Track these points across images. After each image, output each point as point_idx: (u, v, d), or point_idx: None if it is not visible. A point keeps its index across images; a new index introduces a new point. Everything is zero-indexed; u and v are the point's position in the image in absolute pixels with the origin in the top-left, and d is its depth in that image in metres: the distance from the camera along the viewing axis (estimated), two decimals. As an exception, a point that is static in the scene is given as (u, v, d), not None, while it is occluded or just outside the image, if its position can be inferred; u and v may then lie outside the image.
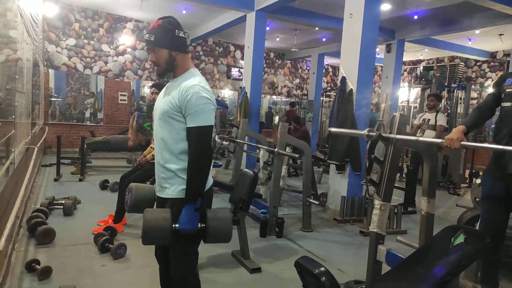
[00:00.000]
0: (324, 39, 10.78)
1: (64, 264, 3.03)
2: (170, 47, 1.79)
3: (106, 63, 9.84)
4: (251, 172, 3.18)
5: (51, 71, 9.15)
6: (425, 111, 6.01)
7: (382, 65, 10.27)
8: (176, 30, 1.80)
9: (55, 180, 6.04)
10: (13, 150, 2.86)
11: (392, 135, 2.34)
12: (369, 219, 4.52)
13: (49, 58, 9.07)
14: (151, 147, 4.16)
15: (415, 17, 7.94)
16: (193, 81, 1.76)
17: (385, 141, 2.39)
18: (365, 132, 2.50)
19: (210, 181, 1.89)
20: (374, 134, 2.41)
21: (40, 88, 7.45)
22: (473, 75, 11.47)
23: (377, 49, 8.62)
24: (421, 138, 2.32)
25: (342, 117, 4.88)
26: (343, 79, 4.98)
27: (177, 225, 1.71)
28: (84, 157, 6.58)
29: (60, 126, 9.37)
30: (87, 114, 9.83)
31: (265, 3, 7.08)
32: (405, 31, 9.10)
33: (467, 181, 7.81)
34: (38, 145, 4.72)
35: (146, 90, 10.37)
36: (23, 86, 3.55)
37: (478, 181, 3.72)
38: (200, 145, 1.72)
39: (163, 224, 1.70)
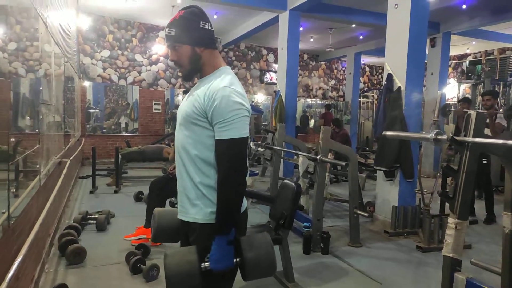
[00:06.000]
0: (361, 37, 10.26)
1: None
2: (193, 43, 1.47)
3: (139, 73, 9.86)
4: (293, 184, 2.82)
5: (88, 83, 9.26)
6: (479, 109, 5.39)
7: (426, 61, 9.58)
8: (201, 22, 1.48)
9: (91, 192, 5.95)
10: (37, 165, 2.67)
11: (469, 139, 1.90)
12: (425, 231, 4.03)
13: (84, 70, 9.18)
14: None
15: (464, 6, 7.27)
16: (222, 82, 1.42)
17: (459, 146, 1.96)
18: (431, 135, 2.08)
19: (244, 203, 1.55)
20: (445, 137, 1.99)
21: (76, 100, 7.49)
22: (529, 67, 10.48)
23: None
24: (510, 141, 1.85)
25: (390, 119, 4.41)
26: (389, 76, 4.51)
27: (207, 264, 1.37)
28: (119, 168, 6.48)
29: (97, 138, 9.44)
30: (123, 125, 9.90)
31: (298, 2, 6.76)
32: (452, 22, 8.39)
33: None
34: (71, 158, 4.61)
35: (181, 99, 10.29)
36: (50, 98, 3.41)
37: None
38: (232, 163, 1.37)
39: (189, 268, 1.36)
